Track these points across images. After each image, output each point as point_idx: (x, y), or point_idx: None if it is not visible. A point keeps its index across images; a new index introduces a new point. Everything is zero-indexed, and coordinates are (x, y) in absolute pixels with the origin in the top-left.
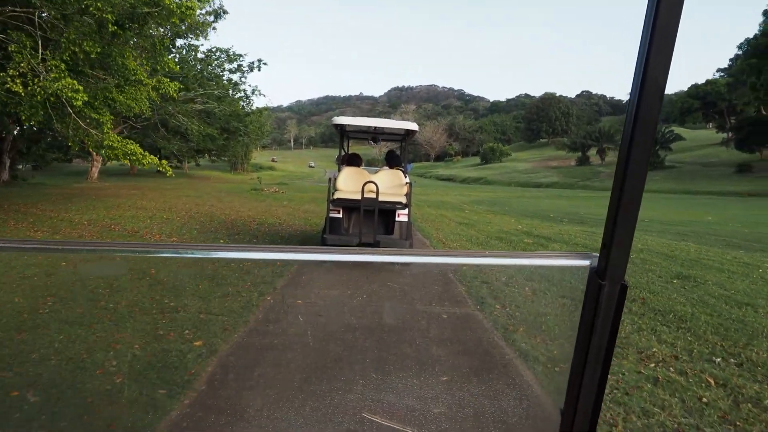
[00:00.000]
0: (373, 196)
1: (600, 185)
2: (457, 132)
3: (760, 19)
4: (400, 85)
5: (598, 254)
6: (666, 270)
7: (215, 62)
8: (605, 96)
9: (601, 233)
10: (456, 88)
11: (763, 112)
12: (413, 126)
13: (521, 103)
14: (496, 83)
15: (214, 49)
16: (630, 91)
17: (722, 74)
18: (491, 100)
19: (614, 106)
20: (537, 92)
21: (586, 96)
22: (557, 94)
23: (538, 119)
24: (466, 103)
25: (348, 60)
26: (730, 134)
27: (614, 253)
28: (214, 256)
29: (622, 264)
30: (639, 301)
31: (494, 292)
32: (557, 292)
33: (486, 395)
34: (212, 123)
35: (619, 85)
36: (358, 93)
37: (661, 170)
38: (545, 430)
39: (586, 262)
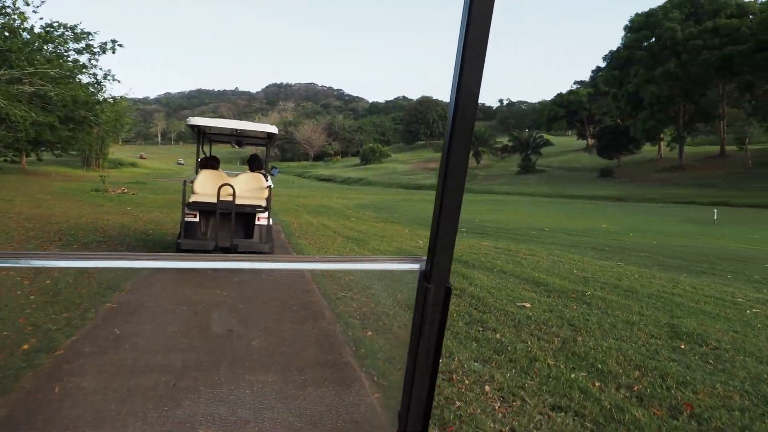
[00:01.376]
0: (230, 199)
1: (480, 188)
2: (336, 131)
3: (623, 33)
4: (279, 82)
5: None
6: (665, 329)
7: (57, 40)
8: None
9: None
10: (335, 88)
11: (620, 122)
12: (273, 129)
13: (399, 105)
14: (375, 85)
15: (56, 24)
16: (449, 99)
17: (578, 86)
18: (370, 101)
19: (485, 111)
20: (414, 95)
21: None
22: (434, 98)
23: (417, 121)
24: (345, 102)
25: (223, 52)
26: (591, 141)
27: (438, 256)
28: (34, 264)
29: (446, 267)
30: None
31: (340, 298)
32: (400, 297)
33: (326, 402)
34: (51, 110)
35: (488, 92)
36: (233, 88)
37: (534, 174)
38: None
39: (416, 266)
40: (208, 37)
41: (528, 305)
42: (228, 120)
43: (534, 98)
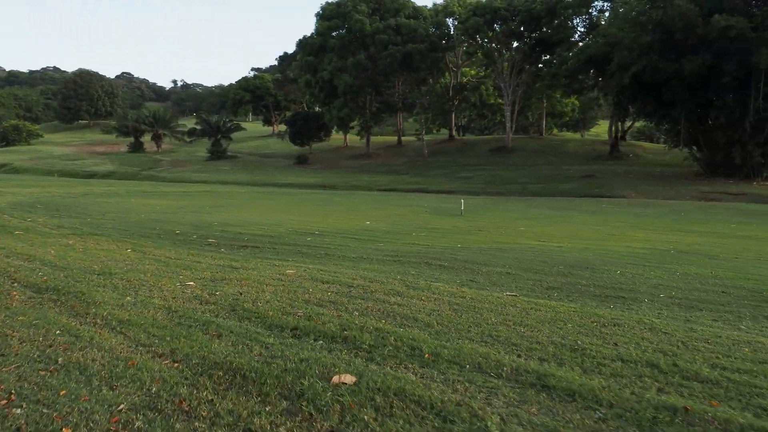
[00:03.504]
0: None
1: (170, 175)
2: None
3: (315, 19)
4: None
5: None
6: None
7: None
8: (147, 80)
9: None
10: None
11: (311, 109)
12: None
13: (50, 77)
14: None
15: None
16: None
17: (255, 72)
18: (7, 69)
19: (158, 92)
20: (69, 67)
21: (127, 78)
22: (97, 72)
23: (77, 97)
24: None
25: None
26: (277, 127)
27: None
28: None
29: None
30: None
31: None
32: None
33: None
34: None
35: (160, 71)
36: None
37: (226, 159)
38: None
39: None
40: None
41: None
42: None
43: (211, 82)
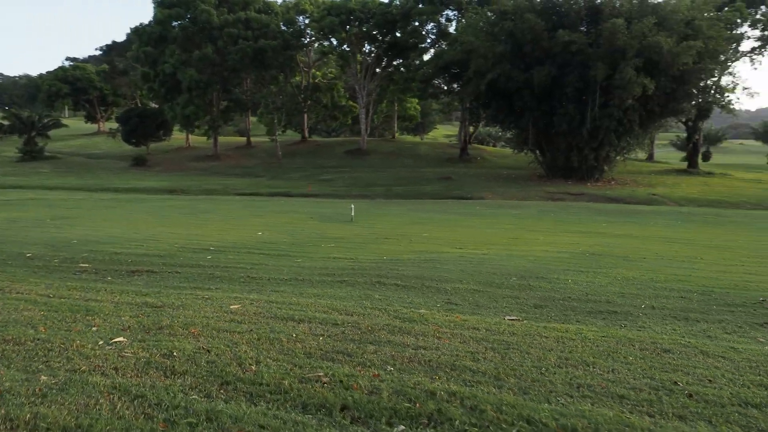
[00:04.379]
0: None
1: None
2: None
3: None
4: None
5: None
6: None
7: None
8: None
9: None
10: None
11: (147, 105)
12: None
13: None
14: None
15: None
16: None
17: (71, 62)
18: None
19: None
20: None
21: None
22: None
23: None
24: None
25: None
26: (103, 124)
27: None
28: None
29: None
30: None
31: None
32: None
33: None
34: None
35: None
36: None
37: (45, 161)
38: None
39: None
40: None
41: None
42: None
43: (13, 71)
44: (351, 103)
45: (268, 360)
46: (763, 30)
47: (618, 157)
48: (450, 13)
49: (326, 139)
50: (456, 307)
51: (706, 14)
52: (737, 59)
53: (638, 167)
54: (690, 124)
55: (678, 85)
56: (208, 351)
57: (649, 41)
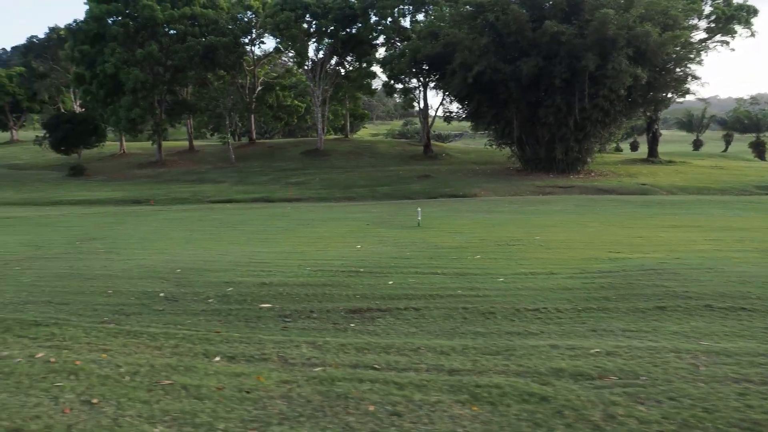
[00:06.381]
0: None
1: None
2: None
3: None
4: None
5: None
6: None
7: None
8: None
9: None
10: None
11: (80, 109)
12: None
13: None
14: None
15: None
16: None
17: None
18: None
19: None
20: None
21: None
22: None
23: None
24: None
25: None
26: (17, 133)
27: None
28: None
29: None
30: None
31: None
32: None
33: None
34: None
35: None
36: None
37: None
38: None
39: None
40: None
41: None
42: None
43: None
44: (296, 102)
45: None
46: (710, 22)
47: (595, 149)
48: (405, 7)
49: (277, 140)
50: None
51: (680, 6)
52: (702, 50)
53: (603, 158)
54: (648, 114)
55: (659, 75)
56: None
57: (638, 31)
